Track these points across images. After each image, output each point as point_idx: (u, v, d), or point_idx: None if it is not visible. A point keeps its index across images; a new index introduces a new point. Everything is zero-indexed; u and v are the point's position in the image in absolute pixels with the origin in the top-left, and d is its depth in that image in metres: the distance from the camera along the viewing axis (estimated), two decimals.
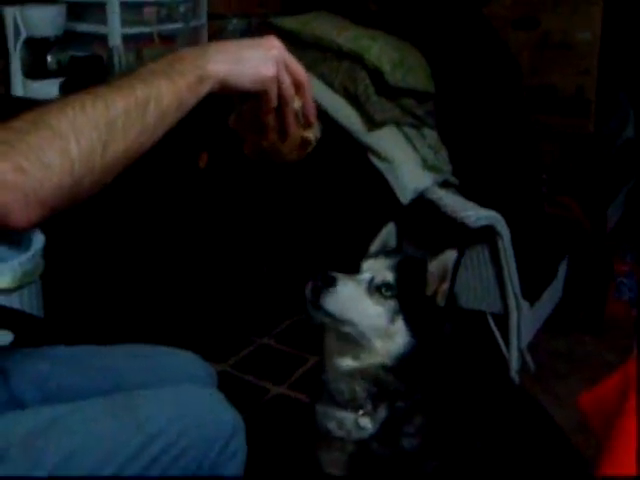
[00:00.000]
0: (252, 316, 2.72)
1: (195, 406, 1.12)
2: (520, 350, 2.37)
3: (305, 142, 1.08)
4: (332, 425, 1.39)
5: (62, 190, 0.81)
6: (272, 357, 2.63)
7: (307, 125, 1.07)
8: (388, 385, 1.34)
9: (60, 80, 2.18)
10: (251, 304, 2.69)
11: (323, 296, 1.28)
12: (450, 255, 1.34)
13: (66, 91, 2.12)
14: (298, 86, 1.03)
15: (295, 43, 2.38)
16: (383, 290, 1.32)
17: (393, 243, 1.50)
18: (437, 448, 1.38)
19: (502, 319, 2.34)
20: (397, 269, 1.35)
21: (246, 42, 1.02)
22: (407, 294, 1.33)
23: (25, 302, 2.07)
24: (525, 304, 2.31)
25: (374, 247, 1.48)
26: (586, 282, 2.78)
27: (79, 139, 0.83)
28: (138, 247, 2.18)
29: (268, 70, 0.99)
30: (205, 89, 0.95)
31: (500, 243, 2.17)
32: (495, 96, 2.44)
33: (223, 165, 2.35)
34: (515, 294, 2.25)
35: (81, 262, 2.11)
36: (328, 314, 1.30)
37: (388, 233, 1.50)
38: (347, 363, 1.35)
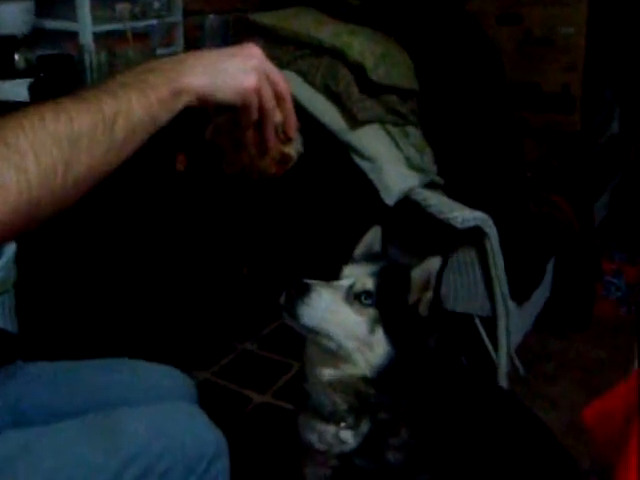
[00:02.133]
0: (233, 320, 2.67)
1: (175, 426, 1.08)
2: (509, 353, 2.32)
3: (286, 157, 1.02)
4: (314, 438, 1.34)
5: (18, 213, 0.73)
6: (255, 364, 2.58)
7: (288, 140, 1.01)
8: (369, 397, 1.28)
9: (29, 80, 2.11)
10: (232, 308, 2.63)
11: (297, 307, 1.23)
12: (434, 262, 1.28)
13: (35, 92, 2.06)
14: (279, 98, 0.97)
15: (273, 39, 2.34)
16: (363, 298, 1.26)
17: (378, 248, 1.43)
18: (426, 461, 1.33)
19: (490, 321, 2.30)
20: (379, 276, 1.29)
21: (224, 51, 0.94)
22: (388, 302, 1.27)
23: None
24: (513, 305, 2.27)
25: (358, 251, 1.42)
26: (574, 281, 2.74)
27: (38, 156, 0.74)
28: (114, 252, 2.13)
29: (249, 82, 0.92)
30: (181, 103, 0.88)
31: (488, 244, 2.14)
32: (479, 93, 2.40)
33: (201, 167, 2.29)
34: (503, 296, 2.22)
35: (54, 269, 2.05)
36: (304, 327, 1.24)
37: (373, 237, 1.44)
38: (328, 373, 1.29)
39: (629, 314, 2.86)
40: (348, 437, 1.31)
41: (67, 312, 2.08)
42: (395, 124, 2.25)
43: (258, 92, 0.93)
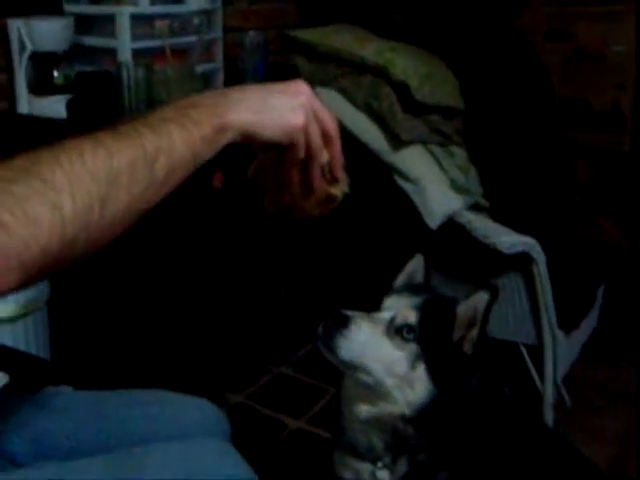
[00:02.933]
0: (269, 342, 2.61)
1: (205, 465, 1.03)
2: (555, 383, 2.23)
3: (330, 198, 0.97)
4: (349, 475, 1.30)
5: (50, 252, 0.67)
6: (290, 388, 2.52)
7: (334, 180, 0.95)
8: (408, 438, 1.23)
9: (67, 97, 2.09)
10: (268, 329, 2.58)
11: (335, 339, 1.18)
12: (482, 297, 1.22)
13: (73, 108, 2.04)
14: (326, 137, 0.91)
15: (314, 56, 2.30)
16: (404, 332, 1.22)
17: (420, 278, 1.38)
18: None
19: (536, 350, 2.21)
20: (422, 309, 1.24)
21: (271, 87, 0.89)
22: (431, 338, 1.22)
23: (30, 334, 1.97)
24: (561, 334, 2.18)
25: (399, 281, 1.38)
26: (623, 308, 2.63)
27: (74, 193, 0.69)
28: (150, 272, 2.11)
29: (297, 120, 0.87)
30: (224, 140, 0.83)
31: (535, 270, 2.06)
32: (527, 112, 2.34)
33: (239, 184, 2.24)
34: (551, 324, 2.13)
35: (89, 287, 2.02)
36: (341, 360, 1.20)
37: (415, 266, 1.39)
38: (365, 410, 1.24)
39: None
40: (384, 477, 1.26)
41: (100, 332, 2.07)
42: (439, 144, 2.19)
43: (305, 130, 0.88)
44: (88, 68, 2.21)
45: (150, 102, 2.08)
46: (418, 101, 2.11)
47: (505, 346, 2.23)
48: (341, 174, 0.96)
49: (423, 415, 1.20)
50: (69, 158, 0.71)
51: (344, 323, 1.19)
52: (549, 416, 2.21)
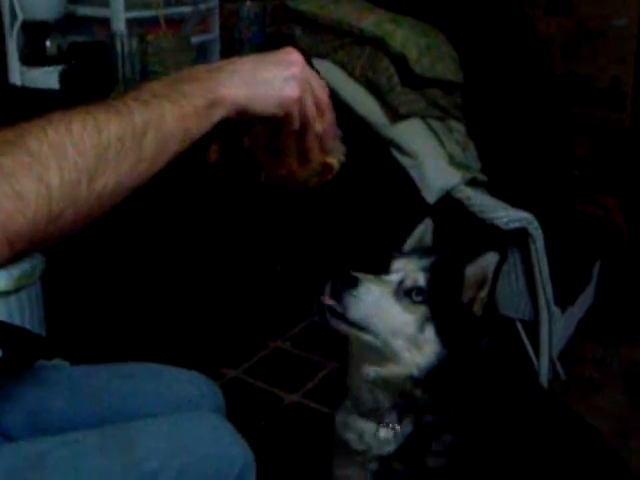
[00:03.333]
0: (266, 318, 2.61)
1: (198, 439, 1.03)
2: (551, 359, 2.23)
3: (327, 168, 0.96)
4: (352, 437, 1.27)
5: (37, 226, 0.66)
6: (287, 362, 2.51)
7: (329, 150, 0.94)
8: (415, 398, 1.22)
9: (60, 67, 2.07)
10: (264, 305, 2.57)
11: (344, 299, 1.16)
12: (491, 259, 1.20)
13: (66, 79, 2.02)
14: (319, 108, 0.90)
15: (312, 28, 2.27)
16: (413, 294, 1.20)
17: (429, 241, 1.40)
18: (468, 470, 1.25)
19: (532, 326, 2.22)
20: (430, 271, 1.22)
21: (264, 58, 0.88)
22: (440, 300, 1.20)
23: (25, 308, 1.96)
24: (557, 310, 2.19)
25: (409, 244, 1.36)
26: (620, 284, 2.63)
27: (61, 167, 0.68)
28: (144, 246, 2.09)
29: (291, 92, 0.86)
30: (217, 115, 0.81)
31: (533, 246, 2.05)
32: (526, 86, 2.31)
33: (234, 158, 2.22)
34: (547, 300, 2.14)
35: (83, 259, 2.02)
36: (350, 322, 1.18)
37: (424, 230, 1.38)
38: (372, 370, 1.22)
39: None
40: (388, 437, 1.24)
41: (95, 306, 2.06)
42: (438, 118, 2.18)
43: (300, 101, 0.87)
44: (81, 38, 2.17)
45: (144, 73, 2.05)
46: (417, 74, 2.09)
47: (501, 321, 2.23)
48: (337, 143, 0.95)
49: (431, 376, 1.19)
50: (56, 131, 0.69)
51: (353, 284, 1.16)
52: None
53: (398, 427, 1.24)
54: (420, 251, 1.31)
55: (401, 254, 1.30)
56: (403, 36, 2.10)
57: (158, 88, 0.79)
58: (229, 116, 0.83)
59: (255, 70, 0.85)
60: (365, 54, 2.16)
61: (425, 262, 1.24)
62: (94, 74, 2.03)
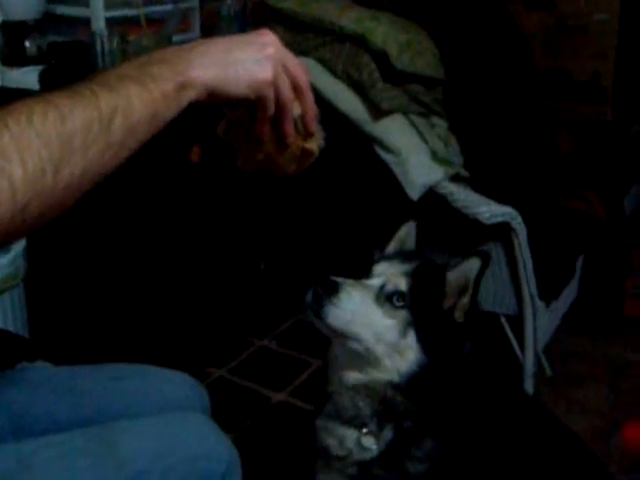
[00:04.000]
0: (251, 316, 2.60)
1: (183, 439, 1.02)
2: (536, 353, 2.24)
3: (306, 153, 0.93)
4: (333, 442, 1.26)
5: (1, 221, 0.65)
6: (272, 361, 2.51)
7: (308, 134, 0.91)
8: (396, 405, 1.21)
9: (40, 67, 2.05)
10: (249, 303, 2.56)
11: (325, 307, 1.16)
12: (473, 264, 1.19)
13: (45, 79, 2.00)
14: (297, 89, 0.87)
15: (293, 26, 2.26)
16: (395, 299, 1.19)
17: (412, 244, 1.36)
18: (448, 476, 1.25)
19: (516, 321, 2.22)
20: (412, 276, 1.22)
21: (237, 39, 0.85)
22: (422, 305, 1.20)
23: (8, 310, 1.95)
24: (542, 305, 2.19)
25: (390, 248, 1.35)
26: (603, 278, 2.65)
27: (24, 159, 0.66)
28: (127, 247, 2.08)
29: (264, 73, 0.83)
30: (187, 98, 0.79)
31: (516, 241, 2.06)
32: (508, 82, 2.32)
33: (217, 158, 2.21)
34: (531, 295, 2.14)
35: (66, 263, 2.00)
36: (330, 327, 1.18)
37: (406, 232, 1.36)
38: (353, 377, 1.22)
39: None
40: (371, 444, 1.23)
41: (78, 307, 2.04)
42: (420, 114, 2.17)
43: (274, 84, 0.84)
44: (61, 38, 2.17)
45: None
46: (398, 70, 2.08)
47: (485, 317, 2.23)
48: (315, 127, 0.92)
49: (412, 382, 1.19)
50: (18, 122, 0.67)
51: (334, 290, 1.16)
52: (529, 386, 2.22)
53: (379, 434, 1.23)
54: (402, 255, 1.30)
55: (383, 257, 1.30)
56: (384, 32, 2.10)
57: (126, 71, 0.77)
58: (199, 99, 0.80)
59: (226, 51, 0.82)
60: (346, 51, 2.15)
61: (407, 267, 1.24)
62: (74, 74, 2.02)
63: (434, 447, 1.23)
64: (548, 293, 2.22)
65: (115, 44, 2.04)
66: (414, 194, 2.04)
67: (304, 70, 0.88)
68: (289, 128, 0.89)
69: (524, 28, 2.57)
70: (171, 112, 0.78)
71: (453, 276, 1.21)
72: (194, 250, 2.27)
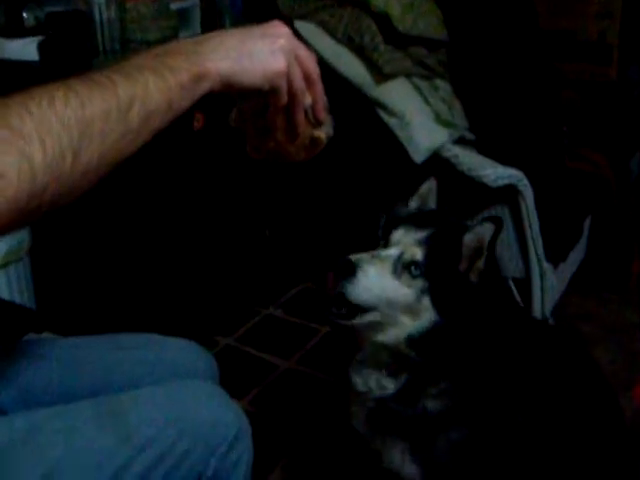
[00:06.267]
0: (256, 284, 2.59)
1: (192, 407, 1.02)
2: (544, 316, 2.23)
3: (316, 142, 0.96)
4: (357, 380, 1.38)
5: (18, 204, 0.65)
6: (279, 329, 2.51)
7: (318, 123, 0.94)
8: (411, 359, 1.29)
9: (39, 38, 2.01)
10: (254, 272, 2.56)
11: (346, 289, 1.23)
12: (487, 228, 1.23)
13: (44, 50, 1.97)
14: (308, 80, 0.90)
15: None
16: (412, 269, 1.25)
17: (432, 202, 1.39)
18: (463, 414, 1.32)
19: (524, 283, 2.20)
20: (428, 244, 1.26)
21: (250, 31, 0.87)
22: (438, 271, 1.25)
23: (14, 282, 1.95)
24: (549, 267, 2.17)
25: (412, 204, 1.40)
26: (611, 240, 2.63)
27: (44, 143, 0.67)
28: (132, 215, 2.08)
29: (277, 64, 0.85)
30: (203, 89, 0.81)
31: (522, 203, 2.03)
32: (512, 42, 2.28)
33: (220, 125, 2.19)
34: (538, 257, 2.12)
35: (71, 234, 2.00)
36: (353, 311, 1.26)
37: (428, 190, 1.40)
38: (373, 334, 1.31)
39: None
40: (388, 383, 1.33)
41: (84, 277, 2.04)
42: (423, 77, 2.14)
43: (287, 75, 0.86)
44: (59, 8, 2.12)
45: (124, 41, 2.02)
46: (400, 32, 2.06)
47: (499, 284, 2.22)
48: (325, 116, 0.94)
49: (426, 339, 1.26)
50: (39, 106, 0.68)
51: (351, 271, 1.22)
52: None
53: (397, 377, 1.32)
54: (420, 218, 1.33)
55: (401, 222, 1.33)
56: None
57: (142, 61, 0.79)
58: (214, 89, 0.82)
59: (241, 43, 0.84)
60: (347, 14, 2.12)
61: (424, 233, 1.27)
62: (73, 44, 2.00)
63: (449, 387, 1.31)
64: (555, 255, 2.20)
65: (113, 12, 2.02)
66: (418, 157, 2.02)
67: (314, 61, 0.90)
68: (300, 117, 0.91)
69: None
70: (186, 102, 0.80)
71: (468, 239, 1.25)
72: (198, 218, 2.26)
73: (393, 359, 1.31)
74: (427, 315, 1.25)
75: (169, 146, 2.09)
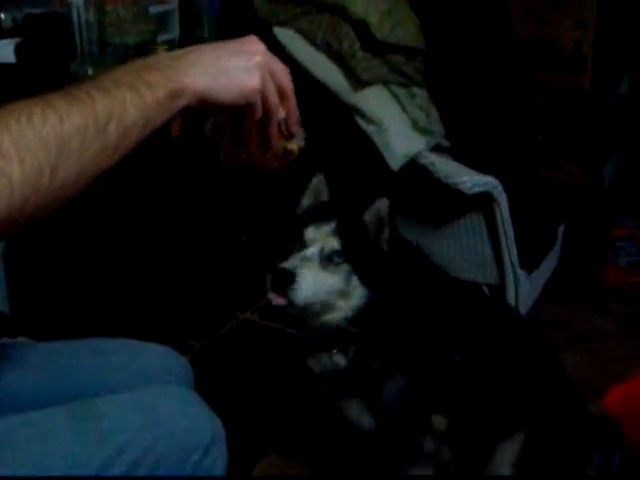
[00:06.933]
0: (233, 289, 2.59)
1: (167, 412, 1.02)
2: None
3: (288, 152, 1.00)
4: (313, 362, 1.54)
5: None
6: (255, 334, 2.49)
7: (290, 136, 0.98)
8: (356, 334, 1.46)
9: (16, 40, 2.01)
10: (231, 276, 2.55)
11: (289, 295, 1.35)
12: (382, 204, 1.44)
13: (22, 52, 1.97)
14: (282, 94, 0.92)
15: None
16: (335, 258, 1.41)
17: (325, 196, 1.55)
18: (405, 363, 1.51)
19: (498, 290, 2.22)
20: (339, 231, 1.43)
21: (226, 47, 0.89)
22: (354, 252, 1.42)
23: None
24: (523, 274, 2.20)
25: (306, 201, 1.55)
26: (583, 247, 2.66)
27: (23, 159, 0.68)
28: (108, 220, 2.06)
29: (252, 82, 0.88)
30: (179, 105, 0.83)
31: (497, 210, 2.05)
32: (488, 51, 2.31)
33: (198, 131, 2.19)
34: (512, 264, 2.14)
35: (46, 238, 1.97)
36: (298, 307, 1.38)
37: (318, 184, 1.55)
38: (317, 320, 1.45)
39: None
40: (339, 359, 1.50)
41: (59, 282, 2.03)
42: (400, 84, 2.15)
43: (262, 91, 0.89)
44: (37, 10, 2.12)
45: (102, 44, 2.01)
46: (378, 40, 2.07)
47: (467, 287, 2.24)
48: (297, 129, 0.97)
49: (363, 313, 1.44)
50: (18, 122, 0.70)
51: (290, 279, 1.35)
52: None
53: (345, 352, 1.50)
54: (322, 212, 1.49)
55: (307, 221, 1.47)
56: (364, 2, 2.08)
57: (120, 77, 0.80)
58: (190, 105, 0.84)
59: (217, 59, 0.86)
60: (326, 21, 2.13)
61: (332, 224, 1.44)
62: (51, 46, 1.99)
63: (389, 345, 1.51)
64: (530, 262, 2.23)
65: (92, 15, 2.01)
66: (395, 164, 2.04)
67: (288, 76, 0.93)
68: (274, 131, 0.94)
69: None
70: (163, 117, 0.82)
71: (368, 216, 1.45)
72: (175, 222, 2.25)
73: (338, 338, 1.47)
74: (359, 292, 1.42)
75: (147, 152, 2.07)
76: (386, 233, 1.45)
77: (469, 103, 2.25)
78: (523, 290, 2.20)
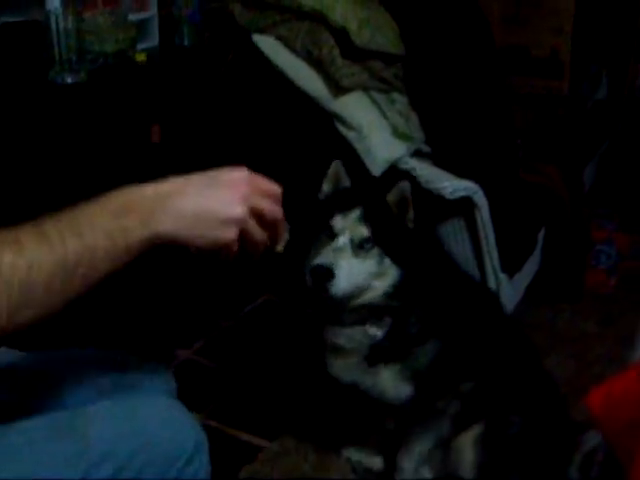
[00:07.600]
0: (216, 298, 2.58)
1: (150, 421, 1.02)
2: None
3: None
4: (342, 340, 1.60)
5: None
6: (239, 342, 2.49)
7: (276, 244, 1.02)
8: (392, 307, 1.56)
9: None
10: (214, 285, 2.54)
11: (329, 289, 1.44)
12: (404, 185, 1.53)
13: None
14: (271, 222, 0.95)
15: (250, 3, 2.22)
16: (365, 245, 1.48)
17: (346, 181, 1.60)
18: (437, 330, 1.63)
19: None
20: (366, 217, 1.50)
21: (209, 181, 0.92)
22: (383, 235, 1.50)
23: None
24: (504, 277, 2.21)
25: (326, 187, 1.60)
26: (564, 251, 2.68)
27: None
28: None
29: (227, 235, 0.90)
30: (149, 247, 0.87)
31: (478, 215, 2.07)
32: (467, 57, 2.32)
33: (177, 138, 2.19)
34: (494, 268, 2.16)
35: None
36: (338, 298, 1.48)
37: (336, 170, 1.60)
38: (353, 301, 1.53)
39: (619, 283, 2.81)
40: (374, 331, 1.58)
41: None
42: (380, 91, 2.16)
43: (243, 227, 0.91)
44: (14, 18, 2.09)
45: (81, 52, 1.99)
46: (358, 47, 2.08)
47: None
48: (282, 242, 1.02)
49: (399, 288, 1.53)
50: None
51: (330, 274, 1.42)
52: None
53: (380, 323, 1.58)
54: (346, 200, 1.54)
55: (333, 210, 1.52)
56: (342, 9, 2.09)
57: (95, 219, 0.82)
58: (157, 244, 0.87)
59: (197, 206, 0.88)
60: (305, 28, 2.13)
61: (358, 212, 1.51)
62: (29, 55, 1.98)
63: (422, 313, 1.61)
64: (511, 266, 2.24)
65: (70, 23, 1.99)
66: (376, 169, 2.04)
67: (278, 200, 0.96)
68: (257, 254, 0.97)
69: (483, 4, 2.57)
70: (131, 259, 0.85)
71: (391, 197, 1.53)
72: None
73: (371, 313, 1.55)
74: (392, 271, 1.51)
75: (127, 159, 2.08)
76: (411, 213, 1.53)
77: (448, 108, 2.26)
78: (505, 294, 2.22)
